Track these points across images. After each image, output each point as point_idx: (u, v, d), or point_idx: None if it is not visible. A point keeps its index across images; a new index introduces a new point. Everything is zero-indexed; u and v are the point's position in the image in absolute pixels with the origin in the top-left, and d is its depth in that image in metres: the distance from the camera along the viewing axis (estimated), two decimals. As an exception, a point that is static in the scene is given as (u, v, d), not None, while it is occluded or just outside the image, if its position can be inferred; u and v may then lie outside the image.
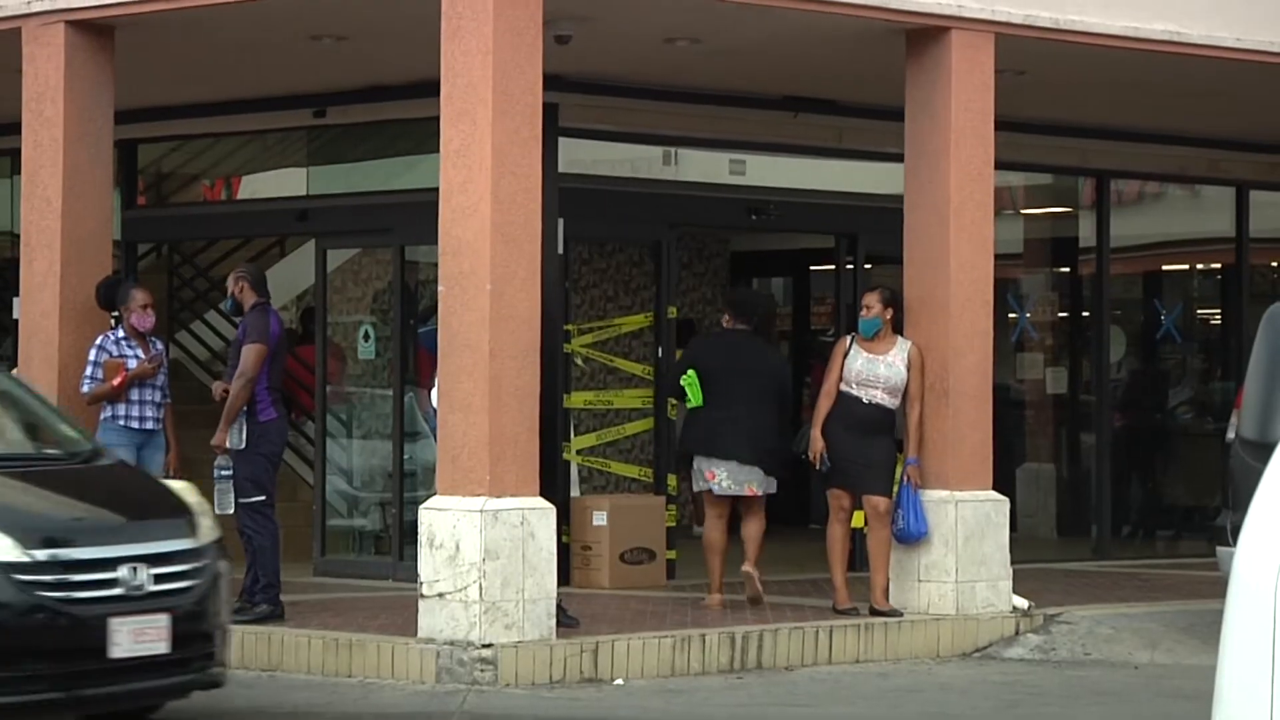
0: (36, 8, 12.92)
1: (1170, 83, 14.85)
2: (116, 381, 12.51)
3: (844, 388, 12.74)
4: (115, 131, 13.22)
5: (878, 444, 12.73)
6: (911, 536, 12.77)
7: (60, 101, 12.82)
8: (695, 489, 13.38)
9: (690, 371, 13.16)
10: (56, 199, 12.86)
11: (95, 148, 12.97)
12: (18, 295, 13.27)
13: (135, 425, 12.58)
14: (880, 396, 12.73)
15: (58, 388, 12.76)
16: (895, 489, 12.84)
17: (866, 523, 12.90)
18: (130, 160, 16.30)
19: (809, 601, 13.38)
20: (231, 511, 12.29)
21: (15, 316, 13.55)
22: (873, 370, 12.71)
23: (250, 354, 12.32)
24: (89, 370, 12.57)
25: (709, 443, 13.03)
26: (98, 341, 12.62)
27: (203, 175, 16.91)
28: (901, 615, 12.68)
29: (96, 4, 12.72)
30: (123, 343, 12.63)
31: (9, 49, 13.08)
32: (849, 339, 12.94)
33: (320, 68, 14.30)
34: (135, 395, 12.58)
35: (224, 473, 12.33)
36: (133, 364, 12.57)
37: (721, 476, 12.99)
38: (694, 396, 13.11)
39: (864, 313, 12.87)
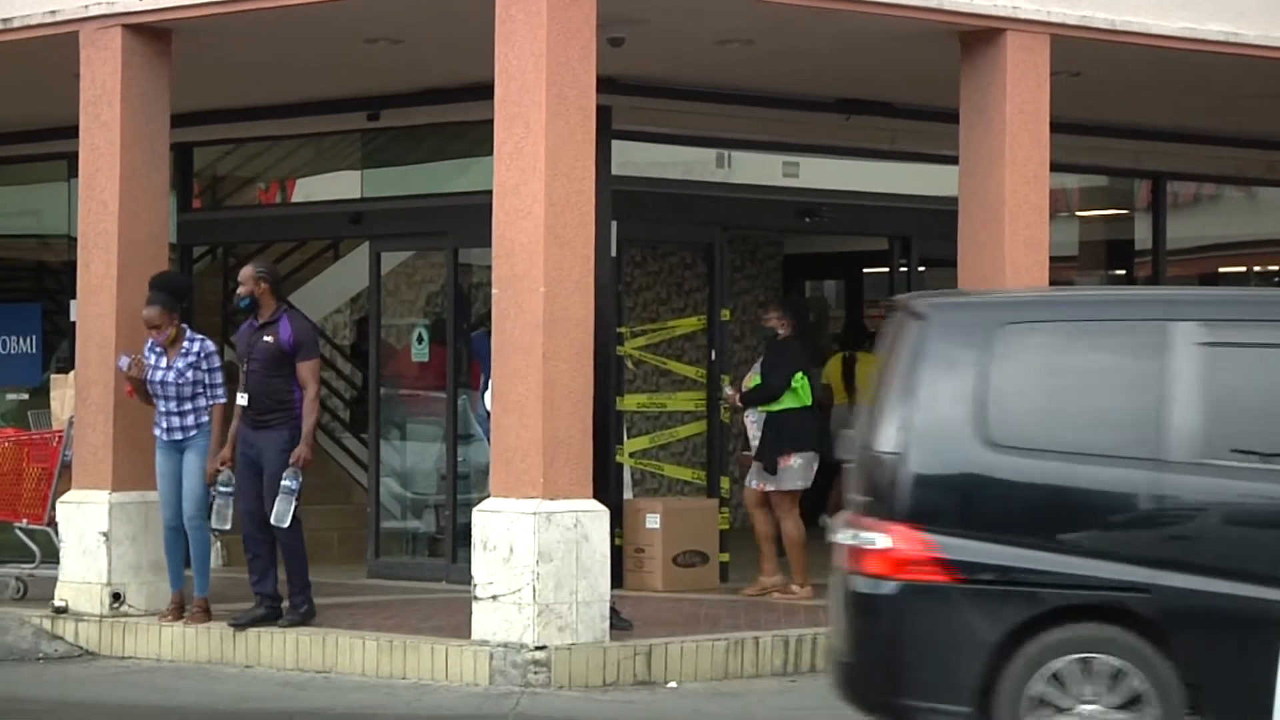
0: (94, 11, 12.99)
1: (1227, 83, 14.77)
2: (126, 391, 12.56)
3: None
4: (171, 135, 13.28)
5: None
6: None
7: (117, 105, 12.88)
8: (794, 487, 13.67)
9: (801, 374, 13.77)
10: (113, 202, 12.92)
11: (152, 151, 13.03)
12: (75, 298, 13.34)
13: (163, 437, 12.44)
14: None
15: (113, 390, 12.83)
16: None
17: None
18: (186, 163, 16.38)
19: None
20: (228, 528, 12.20)
21: (73, 319, 13.62)
22: None
23: (314, 370, 12.23)
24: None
25: (823, 440, 13.90)
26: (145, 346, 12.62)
27: (258, 178, 16.98)
28: None
29: (153, 7, 12.78)
30: (153, 350, 12.49)
31: (66, 53, 13.15)
32: None
33: (374, 71, 14.34)
34: (161, 407, 12.42)
35: (225, 490, 12.05)
36: (154, 375, 12.43)
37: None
38: (805, 397, 13.75)
39: None
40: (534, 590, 11.13)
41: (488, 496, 11.59)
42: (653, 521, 14.31)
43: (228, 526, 12.22)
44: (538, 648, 11.11)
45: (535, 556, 11.15)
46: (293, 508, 12.01)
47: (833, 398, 18.45)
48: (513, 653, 11.14)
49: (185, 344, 12.48)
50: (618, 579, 13.36)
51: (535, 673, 11.08)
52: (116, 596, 12.76)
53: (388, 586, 14.53)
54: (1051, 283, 13.26)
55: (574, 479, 11.33)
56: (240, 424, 12.26)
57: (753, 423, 13.81)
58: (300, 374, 12.16)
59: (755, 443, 13.81)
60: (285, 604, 12.28)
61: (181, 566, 12.58)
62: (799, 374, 13.77)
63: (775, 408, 13.70)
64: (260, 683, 11.60)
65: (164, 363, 12.45)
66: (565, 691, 11.03)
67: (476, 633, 11.35)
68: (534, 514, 11.20)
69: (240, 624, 12.11)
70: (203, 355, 12.47)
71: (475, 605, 11.37)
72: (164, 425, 12.45)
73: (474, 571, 11.40)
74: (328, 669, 11.78)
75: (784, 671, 11.80)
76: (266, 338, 12.20)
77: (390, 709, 10.78)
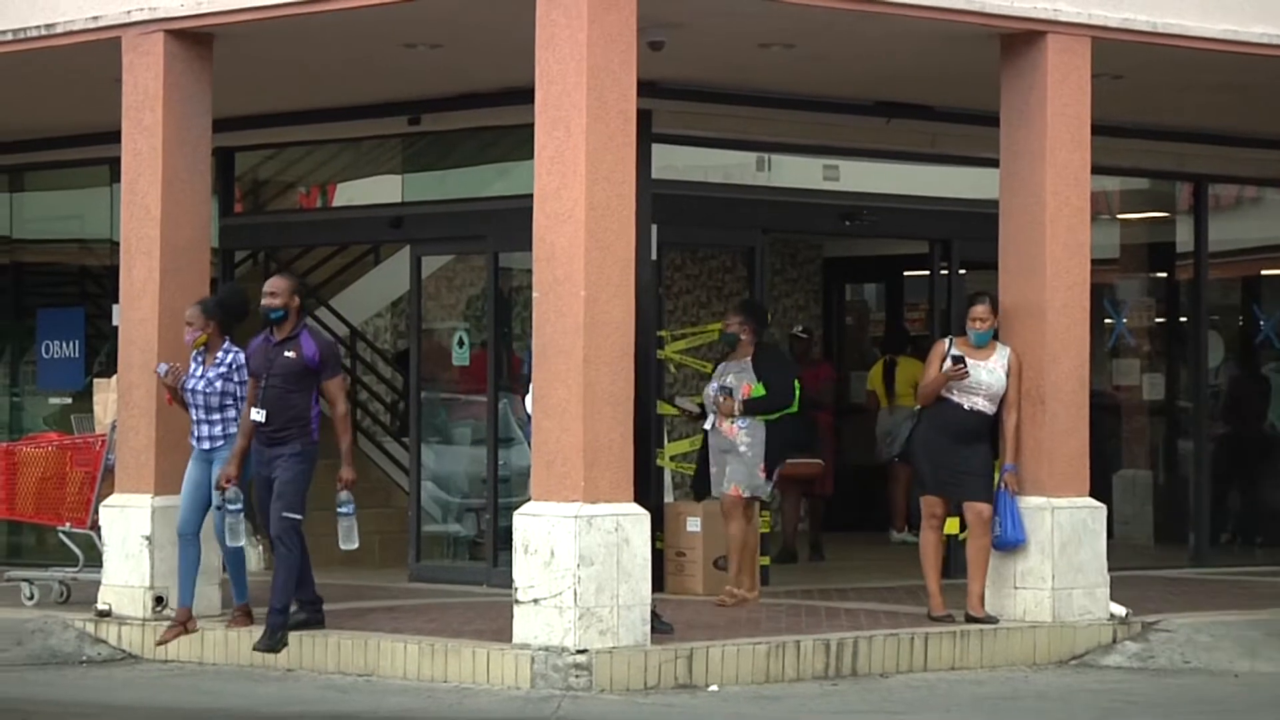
0: (136, 17, 13.04)
1: (1270, 85, 14.69)
2: (167, 399, 12.60)
3: (944, 393, 12.68)
4: (213, 139, 13.32)
5: (977, 451, 12.66)
6: (1009, 544, 12.68)
7: (159, 110, 12.93)
8: (769, 496, 13.69)
9: (797, 380, 13.77)
10: (155, 207, 12.97)
11: (193, 156, 13.08)
12: (117, 302, 13.39)
13: (196, 446, 12.45)
14: (981, 403, 12.66)
15: (155, 395, 12.86)
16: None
17: (964, 529, 12.83)
18: (227, 168, 16.43)
19: (904, 608, 13.33)
20: (242, 544, 12.04)
21: (115, 323, 13.67)
22: (975, 376, 12.65)
23: (341, 386, 12.12)
24: None
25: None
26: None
27: (299, 182, 17.02)
28: (997, 622, 12.60)
29: (195, 13, 12.82)
30: (195, 359, 12.51)
31: (109, 58, 13.21)
32: (948, 342, 12.85)
33: (415, 75, 14.37)
34: (194, 415, 12.44)
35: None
36: (187, 382, 12.46)
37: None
38: (797, 403, 13.68)
39: (977, 325, 12.68)
40: (575, 594, 11.14)
41: (528, 500, 11.60)
42: (693, 525, 14.30)
43: (242, 543, 12.14)
44: (579, 651, 11.11)
45: (576, 560, 11.16)
46: (356, 527, 11.94)
47: (877, 402, 18.42)
48: (554, 656, 11.14)
49: (220, 354, 12.47)
50: (658, 582, 13.34)
51: (576, 676, 11.09)
52: (159, 600, 12.78)
53: (429, 590, 14.56)
54: (1092, 287, 13.22)
55: (615, 483, 11.33)
56: (253, 442, 12.07)
57: (742, 428, 13.55)
58: (328, 392, 12.03)
59: (745, 450, 13.52)
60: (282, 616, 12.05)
61: (193, 579, 12.43)
62: (796, 380, 13.74)
63: (774, 415, 13.61)
64: (303, 686, 11.62)
65: (199, 371, 12.48)
66: (606, 695, 11.03)
67: (518, 636, 11.36)
68: (575, 517, 11.20)
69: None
70: (234, 367, 12.43)
71: (516, 609, 11.38)
72: (195, 434, 12.49)
73: (515, 575, 11.41)
74: (369, 672, 11.80)
75: (825, 675, 11.79)
76: (288, 353, 12.01)
77: (432, 712, 10.79)
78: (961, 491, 12.65)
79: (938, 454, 12.64)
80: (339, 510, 11.89)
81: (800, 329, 17.52)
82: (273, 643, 11.98)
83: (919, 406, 12.96)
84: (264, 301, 12.16)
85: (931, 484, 12.74)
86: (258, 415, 12.00)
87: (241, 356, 12.46)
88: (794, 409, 13.70)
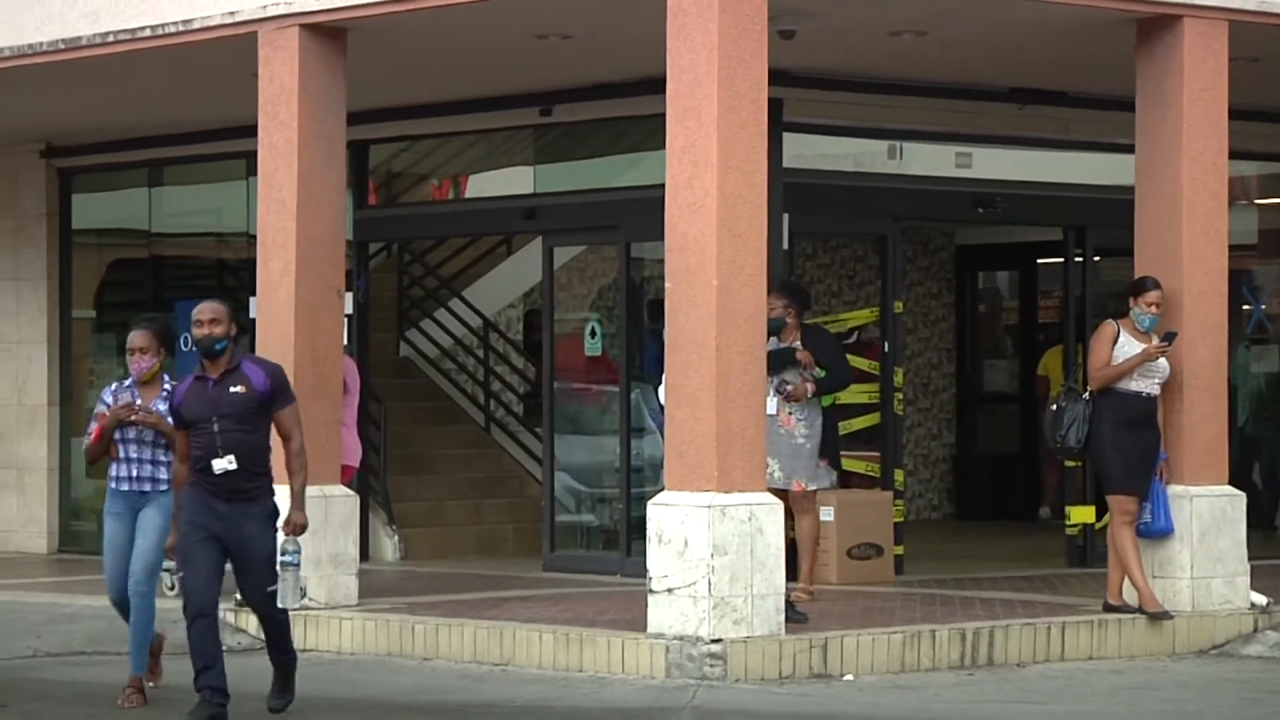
0: (271, 11, 13.18)
1: None
2: (92, 436, 10.79)
3: (1121, 382, 12.48)
4: (347, 133, 13.44)
5: (1155, 438, 12.42)
6: (1159, 533, 12.50)
7: (295, 104, 13.06)
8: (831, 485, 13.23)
9: None
10: (291, 200, 13.11)
11: (328, 149, 13.20)
12: (254, 295, 13.54)
13: (125, 487, 10.74)
14: (1156, 389, 12.45)
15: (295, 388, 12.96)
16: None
17: (1110, 519, 12.58)
18: (361, 161, 16.57)
19: (1040, 597, 13.24)
20: (296, 606, 10.23)
21: (252, 315, 13.82)
22: (1155, 361, 12.42)
23: (297, 415, 10.20)
24: (91, 424, 10.91)
25: None
26: (104, 390, 11.01)
27: (431, 175, 17.14)
28: (1171, 616, 12.41)
29: (330, 7, 12.94)
30: (128, 391, 10.81)
31: (245, 53, 13.36)
32: (1115, 326, 12.52)
33: (547, 66, 14.42)
34: (132, 453, 10.74)
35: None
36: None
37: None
38: None
39: (1153, 310, 12.37)
40: (709, 584, 11.15)
41: (661, 490, 11.62)
42: (827, 514, 14.27)
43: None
44: (713, 641, 11.13)
45: (710, 550, 11.17)
46: (297, 583, 10.10)
47: (1047, 388, 18.17)
48: (688, 646, 11.16)
49: (165, 388, 10.73)
50: (792, 572, 13.32)
51: (711, 665, 11.10)
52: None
53: (563, 579, 14.63)
54: (1230, 273, 13.05)
55: (748, 472, 11.33)
56: (199, 495, 10.03)
57: (800, 420, 12.81)
58: (283, 423, 10.06)
59: (803, 441, 12.80)
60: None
61: (147, 641, 10.99)
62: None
63: (826, 401, 13.25)
64: (439, 675, 11.72)
65: (139, 404, 10.75)
66: (742, 685, 11.03)
67: (652, 626, 11.39)
68: (708, 507, 11.21)
69: None
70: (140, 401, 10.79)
71: (650, 598, 11.41)
72: (132, 474, 10.74)
73: (649, 565, 11.44)
74: (505, 661, 11.87)
75: (961, 665, 11.73)
76: (235, 388, 10.00)
77: (568, 701, 10.84)
78: (1145, 484, 12.42)
79: (1130, 450, 12.30)
80: (282, 559, 9.97)
81: None
82: (287, 700, 10.33)
83: (1090, 393, 12.41)
84: (201, 332, 10.03)
85: (1122, 482, 12.37)
86: (228, 464, 9.94)
87: (165, 389, 10.72)
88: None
